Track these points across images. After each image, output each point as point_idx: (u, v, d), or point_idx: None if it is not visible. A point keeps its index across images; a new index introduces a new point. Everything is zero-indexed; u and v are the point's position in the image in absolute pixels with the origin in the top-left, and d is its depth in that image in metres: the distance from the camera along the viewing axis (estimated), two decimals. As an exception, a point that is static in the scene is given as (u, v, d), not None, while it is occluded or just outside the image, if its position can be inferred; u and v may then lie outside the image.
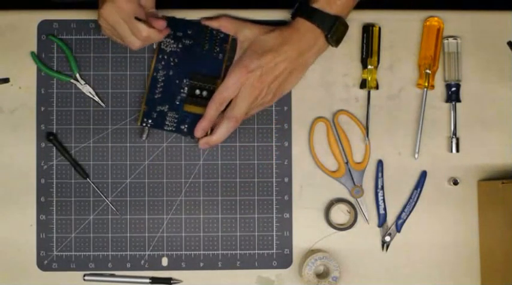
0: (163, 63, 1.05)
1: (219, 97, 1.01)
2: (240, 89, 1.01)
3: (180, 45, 1.06)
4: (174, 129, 1.05)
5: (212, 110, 1.02)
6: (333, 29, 1.01)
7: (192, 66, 1.05)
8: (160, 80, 1.05)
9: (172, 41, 1.06)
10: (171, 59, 1.05)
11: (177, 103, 1.05)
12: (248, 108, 1.01)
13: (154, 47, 1.06)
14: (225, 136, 1.03)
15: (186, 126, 1.05)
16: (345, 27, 1.03)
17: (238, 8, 1.08)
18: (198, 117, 1.03)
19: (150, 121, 1.05)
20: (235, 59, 1.04)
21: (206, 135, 1.03)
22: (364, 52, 1.07)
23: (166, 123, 1.05)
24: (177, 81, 1.05)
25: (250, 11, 1.08)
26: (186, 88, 1.05)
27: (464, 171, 1.08)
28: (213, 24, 1.06)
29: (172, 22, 1.06)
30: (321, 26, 1.01)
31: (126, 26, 0.97)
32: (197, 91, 1.05)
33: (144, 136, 1.06)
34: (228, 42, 1.06)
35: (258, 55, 1.01)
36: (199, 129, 1.03)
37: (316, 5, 1.01)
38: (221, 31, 1.06)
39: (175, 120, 1.05)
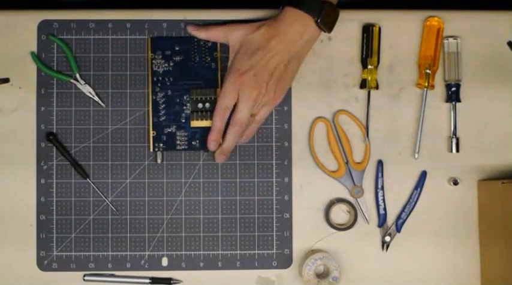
0: (159, 84, 1.05)
1: (220, 107, 1.01)
2: (238, 93, 1.00)
3: (171, 63, 1.06)
4: (186, 147, 1.05)
5: (217, 120, 1.02)
6: (322, 14, 1.00)
7: (188, 81, 1.06)
8: (161, 102, 1.05)
9: (163, 61, 1.06)
10: (166, 79, 1.06)
11: (183, 121, 1.05)
12: (250, 109, 1.01)
13: (147, 72, 1.06)
14: (233, 142, 1.03)
15: (197, 141, 1.05)
16: (335, 11, 1.02)
17: (238, 7, 1.08)
18: (207, 130, 1.04)
19: (161, 145, 1.05)
20: (229, 64, 1.04)
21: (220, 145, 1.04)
22: (364, 52, 1.07)
23: (177, 142, 1.05)
24: (178, 100, 1.05)
25: (250, 11, 1.08)
26: (188, 104, 1.05)
27: (464, 171, 1.08)
28: (201, 35, 1.05)
29: (158, 41, 1.06)
30: (309, 11, 0.99)
31: None
32: (200, 105, 1.05)
33: (159, 160, 1.06)
34: (217, 49, 1.06)
35: (248, 56, 1.00)
36: (211, 142, 1.03)
37: None
38: (209, 41, 1.06)
39: (186, 138, 1.05)
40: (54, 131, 1.06)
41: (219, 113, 1.01)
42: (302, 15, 1.00)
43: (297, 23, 1.00)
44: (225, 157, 1.04)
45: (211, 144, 1.03)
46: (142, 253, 1.07)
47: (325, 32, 1.02)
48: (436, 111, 1.09)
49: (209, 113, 1.05)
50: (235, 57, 1.02)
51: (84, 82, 1.06)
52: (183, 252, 1.07)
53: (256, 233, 1.07)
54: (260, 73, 1.00)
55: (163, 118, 1.06)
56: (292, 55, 1.01)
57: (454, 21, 1.09)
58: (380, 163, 1.08)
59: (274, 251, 1.07)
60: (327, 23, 1.01)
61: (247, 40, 1.01)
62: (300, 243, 1.08)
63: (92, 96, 1.07)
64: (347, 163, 1.08)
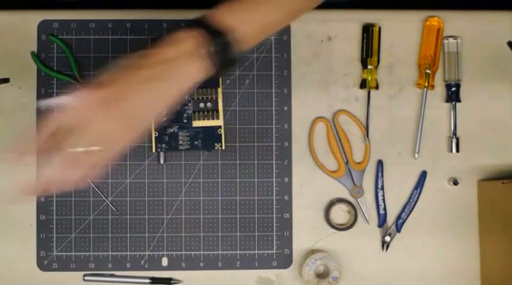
0: None
1: (49, 121, 0.77)
2: (79, 116, 0.77)
3: None
4: (189, 147, 1.06)
5: (39, 135, 0.77)
6: (215, 43, 0.78)
7: None
8: None
9: None
10: None
11: (185, 121, 1.05)
12: (81, 142, 0.76)
13: None
14: (50, 174, 0.77)
15: (200, 141, 1.06)
16: (232, 52, 0.80)
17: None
18: (209, 130, 1.05)
19: (164, 145, 1.05)
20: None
21: None
22: (364, 52, 1.07)
23: (180, 142, 1.05)
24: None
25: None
26: (189, 104, 1.05)
27: (464, 171, 1.08)
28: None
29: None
30: (197, 35, 0.79)
31: None
32: (201, 105, 1.05)
33: (162, 160, 1.06)
34: None
35: (110, 74, 0.79)
36: (14, 153, 0.78)
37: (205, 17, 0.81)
38: None
39: (188, 138, 1.05)
40: (54, 131, 1.06)
41: (44, 126, 0.77)
42: (185, 38, 0.80)
43: (183, 44, 0.80)
44: (30, 192, 0.79)
45: (13, 156, 0.78)
46: (142, 253, 1.07)
47: (213, 72, 0.81)
48: (436, 111, 1.09)
49: (211, 113, 1.05)
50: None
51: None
52: (183, 252, 1.07)
53: (256, 233, 1.07)
54: (117, 94, 0.77)
55: (165, 119, 1.06)
56: (153, 79, 0.79)
57: (454, 21, 1.09)
58: (380, 163, 1.08)
59: (274, 251, 1.08)
60: (217, 57, 0.81)
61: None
62: (300, 243, 1.08)
63: (92, 96, 1.06)
64: (347, 163, 1.08)
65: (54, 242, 1.06)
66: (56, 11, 1.07)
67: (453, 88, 1.08)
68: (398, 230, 1.08)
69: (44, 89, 1.07)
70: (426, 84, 1.07)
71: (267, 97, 1.08)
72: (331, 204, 1.08)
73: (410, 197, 1.08)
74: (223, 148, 1.07)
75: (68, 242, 1.06)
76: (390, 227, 1.08)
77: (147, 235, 1.07)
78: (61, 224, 1.06)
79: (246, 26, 0.82)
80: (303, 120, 1.08)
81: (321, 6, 1.02)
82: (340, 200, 1.08)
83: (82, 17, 1.07)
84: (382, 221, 1.08)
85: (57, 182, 0.77)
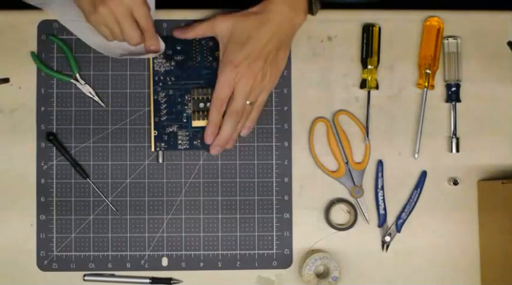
0: (160, 84, 1.06)
1: (216, 100, 1.01)
2: (233, 85, 1.00)
3: (173, 63, 1.06)
4: (188, 147, 1.06)
5: (214, 113, 1.02)
6: None
7: (190, 80, 1.06)
8: (162, 102, 1.06)
9: (164, 60, 1.06)
10: (168, 78, 1.06)
11: (185, 120, 1.06)
12: (246, 98, 1.01)
13: (147, 72, 1.07)
14: (230, 132, 1.03)
15: (199, 140, 1.06)
16: None
17: (237, 8, 1.08)
18: None
19: (163, 144, 1.06)
20: (220, 56, 1.03)
21: None
22: (364, 52, 1.07)
23: (179, 142, 1.06)
24: (179, 99, 1.06)
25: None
26: (189, 104, 1.05)
27: (464, 171, 1.08)
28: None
29: None
30: None
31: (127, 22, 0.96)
32: (201, 105, 1.05)
33: (161, 159, 1.06)
34: (219, 49, 1.06)
35: (240, 47, 0.99)
36: (208, 135, 1.03)
37: None
38: (205, 39, 1.06)
39: (187, 138, 1.06)
40: (54, 131, 1.06)
41: (216, 105, 1.01)
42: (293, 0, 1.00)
43: (287, 8, 0.99)
44: (219, 148, 1.04)
45: (208, 138, 1.03)
46: (142, 253, 1.07)
47: (312, 14, 1.03)
48: (436, 111, 1.09)
49: None
50: (227, 48, 1.01)
51: (84, 82, 1.06)
52: (183, 252, 1.07)
53: (256, 233, 1.07)
54: (254, 62, 0.99)
55: (164, 118, 1.06)
56: (282, 38, 1.01)
57: (454, 21, 1.09)
58: (380, 163, 1.08)
59: (274, 251, 1.08)
60: (316, 7, 1.02)
61: (237, 30, 1.00)
62: (300, 243, 1.08)
63: (92, 96, 1.07)
64: (347, 163, 1.08)
65: (54, 242, 1.06)
66: (56, 11, 1.07)
67: (453, 88, 1.08)
68: (398, 230, 1.08)
69: (44, 89, 1.07)
70: (426, 84, 1.07)
71: (267, 97, 1.07)
72: (331, 204, 1.08)
73: (410, 197, 1.08)
74: None
75: (68, 242, 1.06)
76: (390, 227, 1.08)
77: (147, 234, 1.07)
78: (61, 224, 1.06)
79: None
80: (303, 120, 1.08)
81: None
82: (340, 200, 1.08)
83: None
84: (382, 221, 1.08)
85: (229, 137, 1.04)
